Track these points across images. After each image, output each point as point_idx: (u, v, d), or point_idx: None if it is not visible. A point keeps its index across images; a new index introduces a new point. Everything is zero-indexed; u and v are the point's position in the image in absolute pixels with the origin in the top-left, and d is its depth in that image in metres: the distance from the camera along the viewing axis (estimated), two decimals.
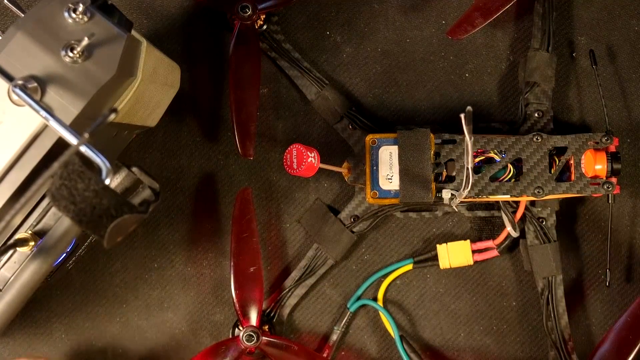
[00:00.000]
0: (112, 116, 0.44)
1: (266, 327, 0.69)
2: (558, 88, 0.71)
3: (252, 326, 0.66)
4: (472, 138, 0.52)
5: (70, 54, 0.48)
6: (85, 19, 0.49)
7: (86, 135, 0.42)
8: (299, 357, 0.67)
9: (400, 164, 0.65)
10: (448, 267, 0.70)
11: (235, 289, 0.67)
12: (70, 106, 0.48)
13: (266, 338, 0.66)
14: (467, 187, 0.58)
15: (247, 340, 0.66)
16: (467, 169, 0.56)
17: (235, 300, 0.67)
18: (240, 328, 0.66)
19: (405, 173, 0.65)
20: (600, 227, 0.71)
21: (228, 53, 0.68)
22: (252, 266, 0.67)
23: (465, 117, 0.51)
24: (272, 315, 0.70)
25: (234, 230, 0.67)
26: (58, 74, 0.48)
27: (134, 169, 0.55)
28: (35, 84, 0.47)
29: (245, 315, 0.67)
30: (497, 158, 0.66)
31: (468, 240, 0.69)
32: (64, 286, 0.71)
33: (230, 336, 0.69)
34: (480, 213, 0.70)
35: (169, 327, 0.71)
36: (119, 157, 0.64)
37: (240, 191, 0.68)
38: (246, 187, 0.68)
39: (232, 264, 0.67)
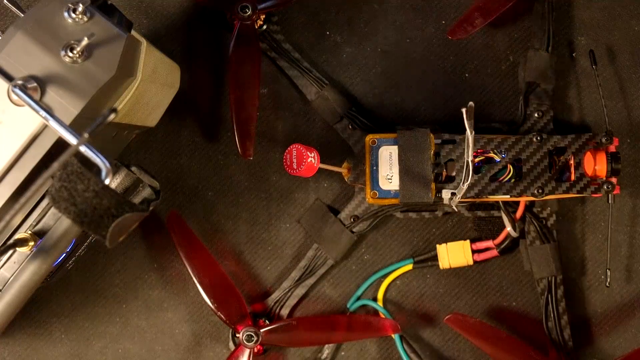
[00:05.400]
0: (112, 116, 0.44)
1: (263, 321, 0.69)
2: (558, 88, 0.71)
3: (247, 326, 0.66)
4: (474, 132, 0.53)
5: (70, 54, 0.48)
6: (85, 19, 0.49)
7: (86, 135, 0.42)
8: (300, 329, 0.67)
9: (400, 164, 0.65)
10: (448, 267, 0.70)
11: (212, 304, 0.67)
12: (70, 106, 0.48)
13: (265, 329, 0.66)
14: (467, 181, 0.58)
15: (249, 341, 0.66)
16: (467, 162, 0.56)
17: (218, 314, 0.67)
18: (238, 335, 0.66)
19: (405, 173, 0.65)
20: (600, 227, 0.71)
21: (228, 53, 0.68)
22: (215, 276, 0.67)
23: (466, 111, 0.51)
24: (271, 316, 0.70)
25: (183, 254, 0.67)
26: (58, 74, 0.48)
27: (134, 168, 0.55)
28: (35, 84, 0.47)
29: (236, 322, 0.67)
30: (497, 158, 0.66)
31: (468, 241, 0.69)
32: (64, 286, 0.71)
33: (232, 347, 0.69)
34: (480, 213, 0.70)
35: (168, 327, 0.71)
36: (119, 157, 0.64)
37: (168, 217, 0.68)
38: (172, 211, 0.68)
39: (197, 283, 0.67)
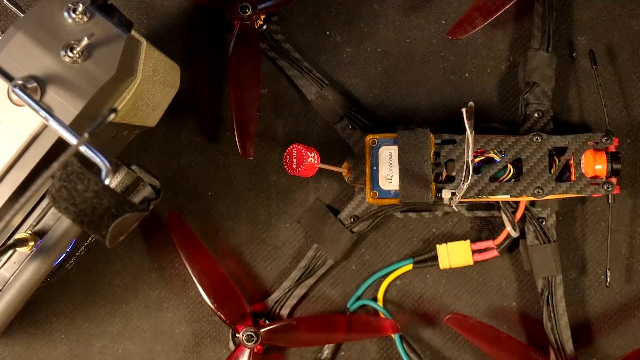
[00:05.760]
0: (112, 116, 0.44)
1: (263, 321, 0.69)
2: (558, 88, 0.71)
3: (247, 326, 0.66)
4: (473, 132, 0.53)
5: (70, 54, 0.48)
6: (85, 19, 0.49)
7: (86, 135, 0.42)
8: (300, 329, 0.68)
9: (400, 164, 0.65)
10: (448, 267, 0.70)
11: (212, 304, 0.67)
12: (70, 106, 0.48)
13: (265, 329, 0.66)
14: (467, 181, 0.58)
15: (249, 341, 0.66)
16: (467, 162, 0.56)
17: (218, 314, 0.67)
18: (238, 335, 0.66)
19: (405, 173, 0.65)
20: (600, 227, 0.71)
21: (228, 53, 0.68)
22: (215, 276, 0.67)
23: (466, 111, 0.51)
24: (271, 316, 0.70)
25: (183, 254, 0.67)
26: (58, 74, 0.48)
27: (134, 167, 0.55)
28: (35, 84, 0.47)
29: (237, 322, 0.67)
30: (497, 158, 0.66)
31: (468, 240, 0.69)
32: (64, 286, 0.71)
33: (232, 347, 0.69)
34: (480, 213, 0.70)
35: (168, 327, 0.71)
36: (119, 157, 0.64)
37: (168, 217, 0.68)
38: (172, 211, 0.69)
39: (197, 283, 0.67)
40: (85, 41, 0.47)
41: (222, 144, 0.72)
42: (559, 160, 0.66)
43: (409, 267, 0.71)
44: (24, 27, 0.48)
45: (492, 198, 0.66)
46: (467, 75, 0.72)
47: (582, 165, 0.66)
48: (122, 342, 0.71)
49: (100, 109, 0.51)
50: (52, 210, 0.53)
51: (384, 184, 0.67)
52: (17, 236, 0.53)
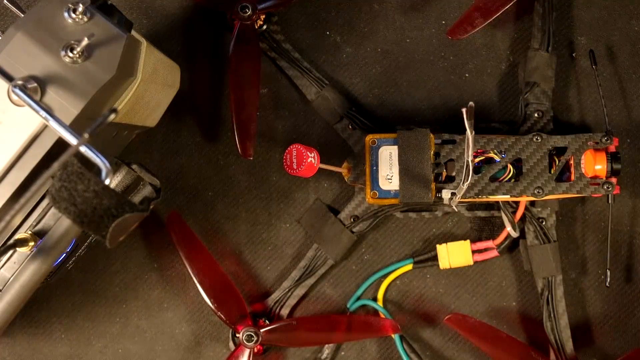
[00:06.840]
0: (112, 116, 0.44)
1: (263, 321, 0.69)
2: (558, 88, 0.71)
3: (247, 326, 0.66)
4: (474, 132, 0.53)
5: (70, 54, 0.48)
6: (85, 19, 0.49)
7: (86, 135, 0.42)
8: (300, 329, 0.68)
9: (400, 164, 0.65)
10: (448, 267, 0.70)
11: (212, 304, 0.67)
12: (70, 106, 0.48)
13: (265, 329, 0.66)
14: (467, 181, 0.58)
15: (249, 341, 0.66)
16: (467, 162, 0.56)
17: (218, 314, 0.67)
18: (238, 335, 0.66)
19: (405, 173, 0.65)
20: (600, 227, 0.71)
21: (228, 53, 0.68)
22: (215, 276, 0.67)
23: (466, 111, 0.51)
24: (271, 316, 0.70)
25: (183, 254, 0.67)
26: (58, 74, 0.48)
27: (134, 166, 0.55)
28: (35, 84, 0.47)
29: (236, 322, 0.67)
30: (497, 158, 0.66)
31: (468, 241, 0.69)
32: (64, 286, 0.71)
33: (232, 347, 0.69)
34: (480, 213, 0.70)
35: (168, 327, 0.71)
36: (119, 157, 0.64)
37: (168, 217, 0.68)
38: (172, 211, 0.69)
39: (197, 283, 0.67)
40: (85, 41, 0.47)
41: (222, 144, 0.72)
42: (559, 160, 0.66)
43: (409, 267, 0.71)
44: (24, 27, 0.48)
45: (492, 198, 0.66)
46: (467, 75, 0.72)
47: (582, 165, 0.66)
48: (122, 342, 0.71)
49: (100, 109, 0.51)
50: (52, 210, 0.53)
51: (384, 184, 0.67)
52: (17, 236, 0.52)
